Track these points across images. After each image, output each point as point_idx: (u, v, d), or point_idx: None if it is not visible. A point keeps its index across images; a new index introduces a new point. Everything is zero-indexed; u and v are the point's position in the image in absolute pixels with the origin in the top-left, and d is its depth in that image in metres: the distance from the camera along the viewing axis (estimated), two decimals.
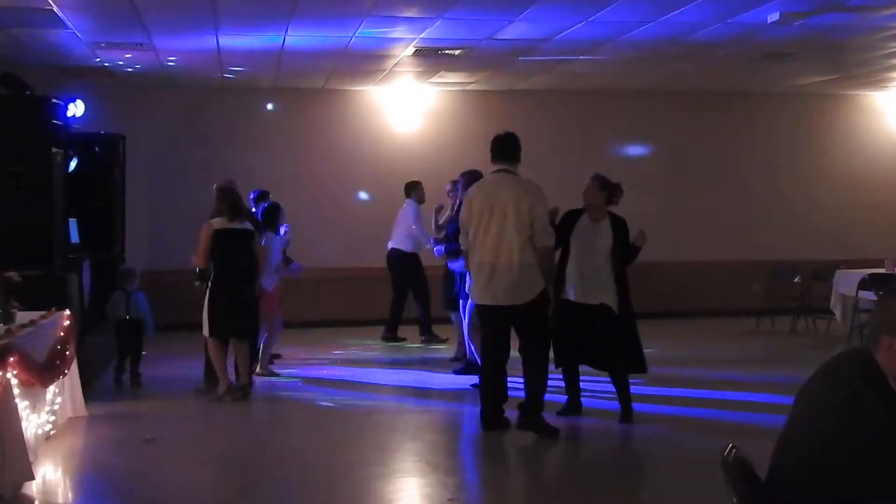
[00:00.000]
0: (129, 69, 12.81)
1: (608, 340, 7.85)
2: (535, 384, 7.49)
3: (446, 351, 11.73)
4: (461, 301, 9.84)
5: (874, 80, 14.55)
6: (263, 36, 10.93)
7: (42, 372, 6.78)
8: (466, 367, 10.10)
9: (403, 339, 12.65)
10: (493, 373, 7.61)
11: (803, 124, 15.91)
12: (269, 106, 14.66)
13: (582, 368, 8.17)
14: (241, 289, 9.02)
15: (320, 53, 11.92)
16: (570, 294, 7.87)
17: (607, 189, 8.05)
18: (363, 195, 14.80)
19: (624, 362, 7.96)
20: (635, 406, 8.19)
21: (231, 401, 8.96)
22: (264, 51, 11.70)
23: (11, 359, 5.97)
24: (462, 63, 12.63)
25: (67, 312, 8.02)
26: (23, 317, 7.18)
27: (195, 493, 6.41)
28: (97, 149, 12.23)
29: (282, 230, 11.08)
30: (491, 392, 7.64)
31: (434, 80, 14.02)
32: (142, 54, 11.76)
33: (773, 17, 9.88)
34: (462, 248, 7.86)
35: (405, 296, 12.78)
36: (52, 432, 7.31)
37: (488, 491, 6.62)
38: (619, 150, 15.42)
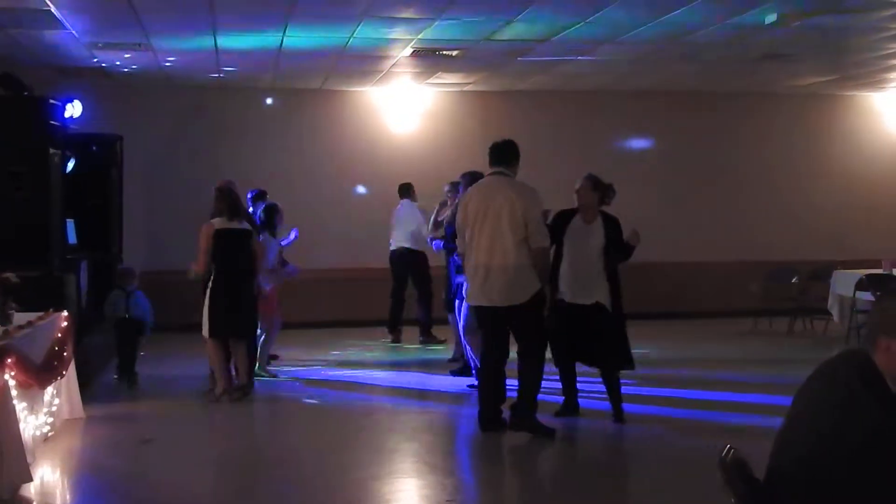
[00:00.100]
0: (127, 69, 12.81)
1: (602, 339, 7.87)
2: (530, 384, 7.49)
3: (444, 352, 11.72)
4: (456, 302, 9.85)
5: (872, 80, 14.57)
6: (261, 36, 10.93)
7: (40, 373, 6.77)
8: (464, 368, 10.11)
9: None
10: (491, 374, 7.61)
11: (801, 125, 15.92)
12: (268, 105, 14.65)
13: (579, 369, 8.17)
14: (241, 289, 9.02)
15: (318, 54, 11.92)
16: (564, 294, 7.89)
17: (600, 189, 8.07)
18: (361, 196, 14.80)
19: (615, 360, 7.98)
20: (633, 407, 8.19)
21: (229, 401, 8.95)
22: (262, 51, 11.70)
23: (9, 360, 5.96)
24: (460, 64, 12.63)
25: (65, 313, 8.01)
26: (20, 318, 7.16)
27: (193, 493, 6.40)
28: (95, 149, 12.23)
29: (292, 234, 11.14)
30: (489, 393, 7.64)
31: (432, 80, 14.02)
32: (139, 55, 11.76)
33: (771, 17, 9.88)
34: (458, 250, 7.89)
35: (404, 295, 12.79)
36: (49, 433, 7.31)
37: (486, 492, 6.62)
38: (617, 150, 15.42)
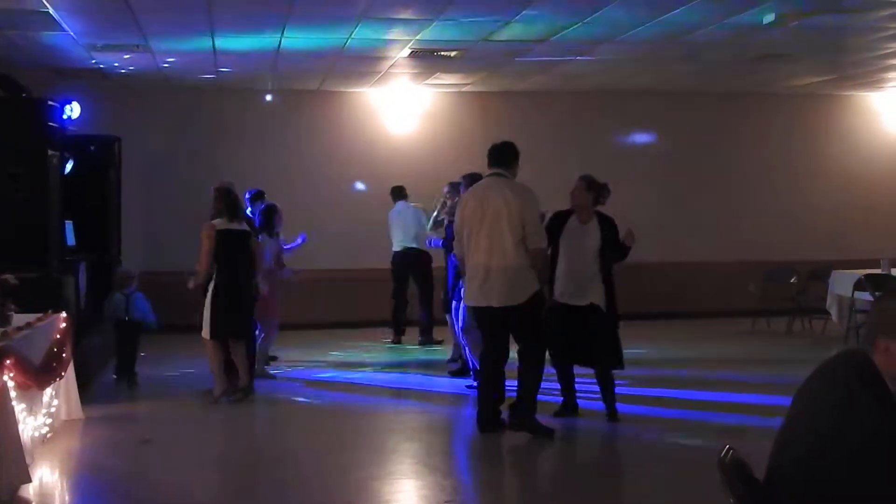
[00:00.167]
0: (125, 71, 12.81)
1: (596, 339, 7.88)
2: (529, 384, 7.49)
3: (443, 353, 11.72)
4: (453, 303, 9.86)
5: (870, 80, 14.58)
6: (259, 37, 10.93)
7: (38, 374, 6.77)
8: (462, 369, 10.11)
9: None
10: (491, 375, 7.61)
11: (799, 125, 15.93)
12: (266, 106, 14.65)
13: (577, 370, 8.17)
14: (241, 290, 9.02)
15: (316, 55, 11.92)
16: (560, 295, 7.89)
17: (594, 189, 8.08)
18: (359, 197, 14.79)
19: (607, 360, 7.98)
20: (633, 407, 8.20)
21: (227, 402, 8.94)
22: (260, 52, 11.70)
23: (8, 361, 5.96)
24: (458, 64, 12.63)
25: (64, 315, 8.01)
26: (19, 319, 7.16)
27: (192, 494, 6.41)
28: (93, 150, 12.21)
29: (299, 239, 11.19)
30: (489, 394, 7.63)
31: (430, 81, 14.02)
32: (138, 56, 11.76)
33: (769, 17, 9.89)
34: (456, 253, 7.89)
35: (406, 296, 12.77)
36: (48, 435, 7.30)
37: (485, 493, 6.62)
38: (615, 150, 15.41)
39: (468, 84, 14.36)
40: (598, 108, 15.30)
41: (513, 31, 10.60)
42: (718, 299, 15.13)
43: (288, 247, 11.42)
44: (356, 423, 8.37)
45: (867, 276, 11.70)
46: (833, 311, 12.72)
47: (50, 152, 9.63)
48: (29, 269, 8.54)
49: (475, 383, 8.52)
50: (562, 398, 8.22)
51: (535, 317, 7.48)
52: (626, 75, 13.69)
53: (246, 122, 14.51)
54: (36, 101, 10.01)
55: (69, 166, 10.97)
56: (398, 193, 12.87)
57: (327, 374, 10.70)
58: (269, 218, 10.37)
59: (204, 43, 11.10)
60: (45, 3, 9.01)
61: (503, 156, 7.67)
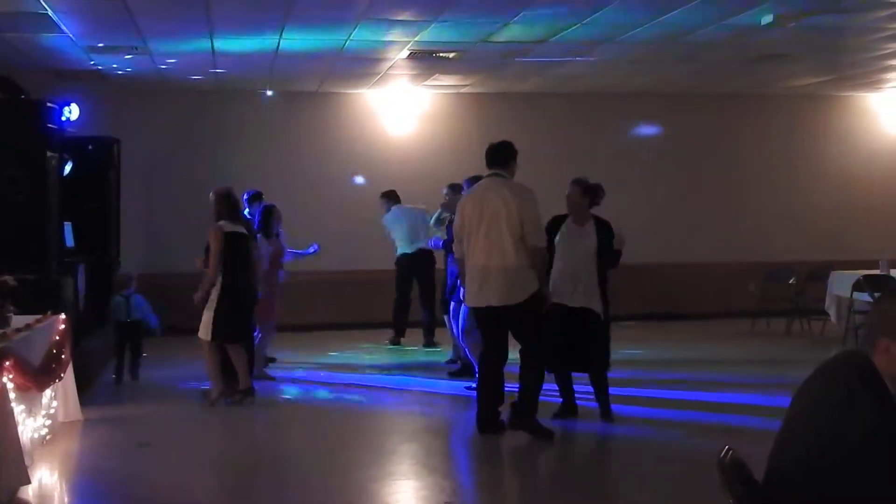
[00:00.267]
0: (124, 72, 12.81)
1: (587, 341, 7.88)
2: (529, 384, 7.49)
3: (443, 354, 11.72)
4: (452, 304, 9.85)
5: (868, 81, 14.58)
6: (258, 39, 10.93)
7: (38, 376, 6.76)
8: (462, 370, 10.11)
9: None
10: (490, 375, 7.61)
11: (798, 126, 15.94)
12: (265, 108, 14.65)
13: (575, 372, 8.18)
14: (242, 292, 9.01)
15: (315, 57, 11.93)
16: (553, 294, 7.88)
17: (589, 193, 8.08)
18: (358, 198, 14.78)
19: (597, 363, 7.99)
20: (632, 408, 8.21)
21: (226, 404, 8.94)
22: (259, 54, 11.70)
23: (7, 363, 5.96)
24: (457, 66, 12.63)
25: (63, 316, 8.01)
26: (18, 321, 7.15)
27: (192, 496, 6.40)
28: (92, 152, 12.21)
29: (311, 248, 11.24)
30: (488, 395, 7.63)
31: (429, 82, 14.02)
32: (137, 58, 11.76)
33: (767, 18, 9.90)
34: (456, 254, 7.89)
35: (410, 299, 12.76)
36: (48, 436, 7.30)
37: (484, 494, 6.62)
38: (614, 152, 15.41)
39: (467, 85, 14.37)
40: (597, 110, 15.30)
41: (511, 32, 10.60)
42: (718, 300, 15.14)
43: (298, 252, 11.45)
44: (355, 425, 8.37)
45: (866, 276, 11.71)
46: (832, 312, 12.73)
47: (49, 154, 9.63)
48: (28, 270, 8.55)
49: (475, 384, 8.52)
50: (561, 399, 8.22)
51: (535, 316, 7.48)
52: (625, 76, 13.70)
53: (245, 123, 14.51)
54: (35, 103, 10.02)
55: (68, 168, 10.98)
56: (394, 198, 12.78)
57: (326, 376, 10.70)
58: (266, 218, 10.37)
59: (203, 44, 11.10)
60: (44, 4, 9.02)
61: (500, 155, 7.67)
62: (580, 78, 13.73)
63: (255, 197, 11.24)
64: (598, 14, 9.80)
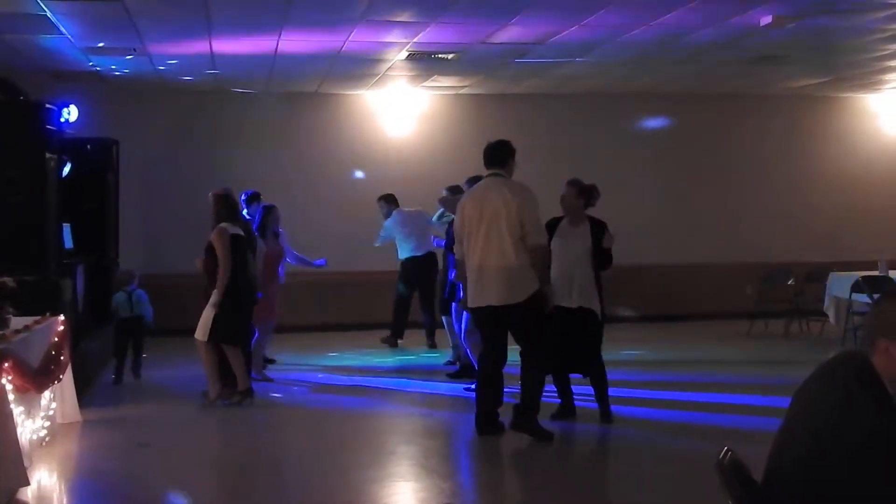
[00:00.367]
0: (123, 74, 12.81)
1: (588, 343, 7.88)
2: (530, 384, 7.49)
3: (442, 355, 11.72)
4: (452, 305, 9.85)
5: (867, 82, 14.60)
6: (257, 40, 10.93)
7: (37, 377, 6.76)
8: (462, 371, 10.10)
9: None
10: (489, 376, 7.60)
11: (796, 127, 15.94)
12: (264, 109, 14.65)
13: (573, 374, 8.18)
14: (241, 293, 9.01)
15: (314, 58, 11.93)
16: (554, 299, 7.88)
17: (584, 193, 8.09)
18: (357, 199, 14.77)
19: (592, 364, 7.99)
20: (631, 409, 8.21)
21: (224, 406, 8.93)
22: (258, 55, 11.70)
23: (6, 364, 5.96)
24: (455, 67, 12.64)
25: (62, 318, 8.00)
26: (17, 322, 7.14)
27: (191, 497, 6.40)
28: (91, 153, 12.21)
29: (319, 262, 11.30)
30: (487, 396, 7.63)
31: (427, 83, 14.03)
32: (135, 59, 11.76)
33: (766, 19, 9.90)
34: (456, 255, 7.89)
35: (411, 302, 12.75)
36: (47, 438, 7.29)
37: (484, 495, 6.61)
38: (612, 153, 15.40)
39: (465, 86, 14.37)
40: (596, 111, 15.30)
41: (510, 33, 10.61)
42: (716, 301, 15.14)
43: (305, 259, 11.48)
44: (355, 426, 8.37)
45: (864, 277, 11.71)
46: (830, 313, 12.73)
47: (48, 155, 9.62)
48: (27, 271, 8.54)
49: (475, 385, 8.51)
50: (559, 400, 8.22)
51: (536, 316, 7.46)
52: (623, 77, 13.70)
53: (244, 124, 14.50)
54: (34, 104, 10.02)
55: (67, 169, 10.96)
56: (393, 202, 12.74)
57: (325, 377, 10.70)
58: (263, 219, 10.38)
59: (201, 46, 11.10)
60: (43, 6, 9.02)
61: (498, 155, 7.66)
62: (579, 79, 13.74)
63: (253, 197, 11.23)
64: (595, 15, 9.81)
